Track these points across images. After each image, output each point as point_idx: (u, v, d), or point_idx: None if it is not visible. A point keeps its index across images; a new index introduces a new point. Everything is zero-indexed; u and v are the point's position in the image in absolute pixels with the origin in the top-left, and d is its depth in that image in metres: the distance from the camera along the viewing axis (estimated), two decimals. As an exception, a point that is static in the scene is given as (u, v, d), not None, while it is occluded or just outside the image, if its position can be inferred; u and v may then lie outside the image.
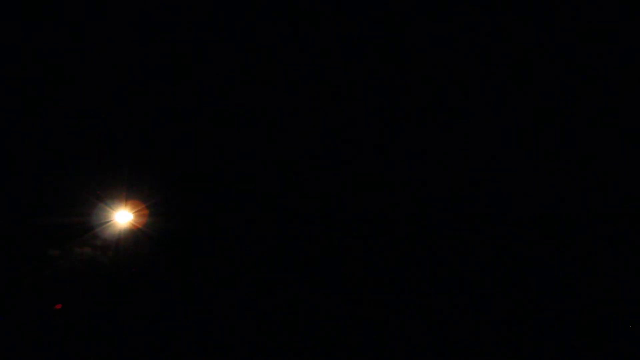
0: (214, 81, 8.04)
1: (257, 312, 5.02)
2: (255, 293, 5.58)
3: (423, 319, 5.04)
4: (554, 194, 6.14)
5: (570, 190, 6.11)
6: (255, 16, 7.01)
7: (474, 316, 5.10)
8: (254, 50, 7.80)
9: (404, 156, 6.84)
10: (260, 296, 5.47)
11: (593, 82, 5.83)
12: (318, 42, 6.89)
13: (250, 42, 7.71)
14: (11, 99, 7.76)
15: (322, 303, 5.46)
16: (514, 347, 4.50)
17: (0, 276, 4.17)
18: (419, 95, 6.62)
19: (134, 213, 8.25)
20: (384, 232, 6.81)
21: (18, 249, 4.83)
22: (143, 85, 8.33)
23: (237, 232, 7.45)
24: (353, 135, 7.13)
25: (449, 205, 6.71)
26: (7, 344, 3.40)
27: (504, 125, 6.49)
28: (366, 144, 7.17)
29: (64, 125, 8.25)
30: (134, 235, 6.84)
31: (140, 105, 8.33)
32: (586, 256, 5.62)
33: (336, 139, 7.47)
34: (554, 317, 4.99)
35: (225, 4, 7.15)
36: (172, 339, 4.09)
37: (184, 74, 8.03)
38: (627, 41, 5.44)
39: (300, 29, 6.87)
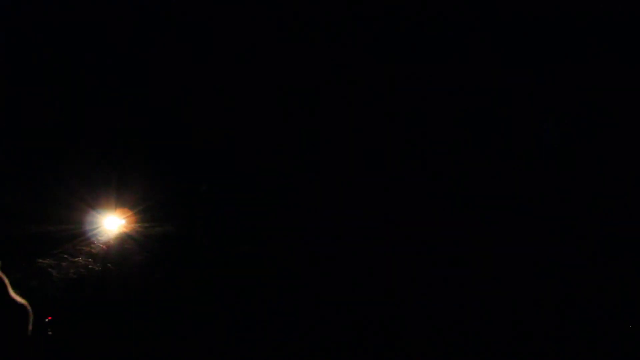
0: (201, 83, 7.91)
1: (251, 317, 4.91)
2: (249, 297, 5.50)
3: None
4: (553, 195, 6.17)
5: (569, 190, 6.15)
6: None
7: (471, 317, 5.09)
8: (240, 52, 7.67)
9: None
10: (254, 300, 5.37)
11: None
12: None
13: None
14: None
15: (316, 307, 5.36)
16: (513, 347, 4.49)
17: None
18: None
19: (123, 219, 8.00)
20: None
21: (8, 257, 4.63)
22: (132, 88, 8.14)
23: (228, 236, 7.31)
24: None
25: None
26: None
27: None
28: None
29: (52, 131, 8.01)
30: (123, 241, 6.66)
31: (128, 108, 8.13)
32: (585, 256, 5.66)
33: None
34: (553, 317, 5.00)
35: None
36: (164, 344, 3.96)
37: (167, 77, 7.89)
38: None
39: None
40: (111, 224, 7.20)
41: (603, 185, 5.67)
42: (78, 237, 6.17)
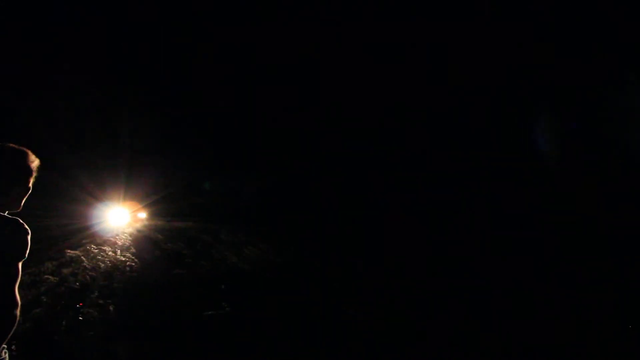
0: (213, 80, 7.99)
1: (261, 314, 4.88)
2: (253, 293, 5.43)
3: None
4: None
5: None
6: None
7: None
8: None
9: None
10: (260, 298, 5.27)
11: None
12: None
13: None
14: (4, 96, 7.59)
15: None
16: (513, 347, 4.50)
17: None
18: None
19: (130, 212, 8.16)
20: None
21: (40, 248, 4.79)
22: (140, 83, 8.22)
23: (237, 233, 7.39)
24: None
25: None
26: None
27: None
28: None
29: (58, 123, 8.10)
30: (131, 235, 6.77)
31: (137, 102, 8.22)
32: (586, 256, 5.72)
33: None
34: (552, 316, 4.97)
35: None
36: (167, 339, 4.03)
37: (182, 71, 7.96)
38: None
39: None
40: (118, 216, 7.33)
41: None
42: (101, 230, 6.32)
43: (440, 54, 6.65)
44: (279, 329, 4.41)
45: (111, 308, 3.82)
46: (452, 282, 5.55)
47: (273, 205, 7.53)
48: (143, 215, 7.37)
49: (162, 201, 7.44)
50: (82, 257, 4.81)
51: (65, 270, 4.45)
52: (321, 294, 5.30)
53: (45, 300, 3.82)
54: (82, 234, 6.07)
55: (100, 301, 4.04)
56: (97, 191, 7.94)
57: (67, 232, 5.92)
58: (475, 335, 4.51)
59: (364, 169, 7.21)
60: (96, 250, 5.24)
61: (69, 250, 4.84)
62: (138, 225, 6.94)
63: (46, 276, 4.15)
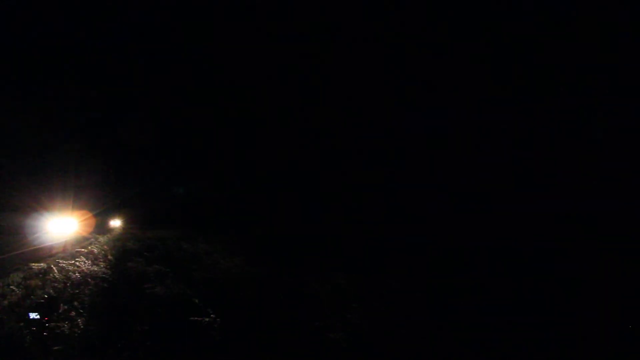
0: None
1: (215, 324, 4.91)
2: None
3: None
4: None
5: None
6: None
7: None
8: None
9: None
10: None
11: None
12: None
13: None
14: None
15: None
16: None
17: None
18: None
19: (79, 221, 7.92)
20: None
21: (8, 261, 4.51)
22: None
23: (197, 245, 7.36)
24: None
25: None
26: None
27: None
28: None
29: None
30: (105, 244, 6.51)
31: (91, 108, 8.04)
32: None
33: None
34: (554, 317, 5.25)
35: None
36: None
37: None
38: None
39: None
40: (64, 226, 7.01)
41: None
42: (31, 242, 6.01)
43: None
44: (257, 337, 4.39)
45: (79, 322, 3.73)
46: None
47: (249, 213, 7.57)
48: (117, 223, 7.17)
49: (131, 208, 7.30)
50: (53, 267, 4.60)
51: (32, 282, 4.24)
52: (298, 302, 5.32)
53: (8, 315, 3.65)
54: (45, 246, 5.73)
55: (72, 314, 3.92)
56: (45, 200, 7.67)
57: (26, 243, 5.58)
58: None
59: (342, 176, 7.42)
60: (64, 263, 5.02)
61: (36, 265, 4.58)
62: (112, 233, 6.71)
63: (11, 287, 3.96)
